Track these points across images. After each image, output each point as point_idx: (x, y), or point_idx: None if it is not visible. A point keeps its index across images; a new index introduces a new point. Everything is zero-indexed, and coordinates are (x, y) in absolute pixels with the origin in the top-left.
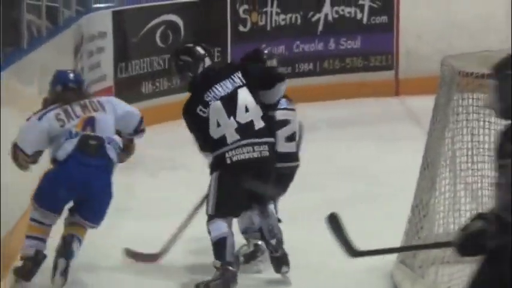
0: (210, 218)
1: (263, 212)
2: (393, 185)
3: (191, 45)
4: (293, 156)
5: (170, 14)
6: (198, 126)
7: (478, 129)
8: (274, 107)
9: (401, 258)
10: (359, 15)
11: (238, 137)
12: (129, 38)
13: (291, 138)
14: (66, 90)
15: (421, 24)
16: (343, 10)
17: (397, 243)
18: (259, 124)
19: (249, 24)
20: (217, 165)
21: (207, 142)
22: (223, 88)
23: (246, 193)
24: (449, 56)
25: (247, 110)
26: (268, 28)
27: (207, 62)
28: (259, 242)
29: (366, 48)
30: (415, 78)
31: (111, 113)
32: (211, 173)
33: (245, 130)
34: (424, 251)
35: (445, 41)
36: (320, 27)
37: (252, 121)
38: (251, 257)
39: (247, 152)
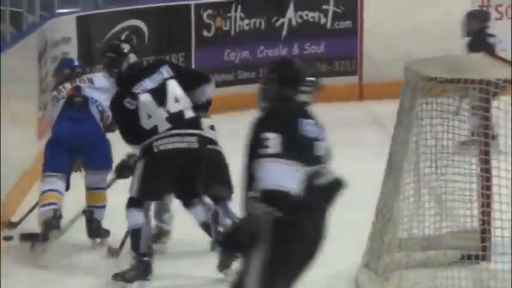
0: (128, 205)
1: (204, 206)
2: (356, 190)
3: (117, 42)
4: (217, 142)
5: (134, 19)
6: (126, 119)
7: (441, 134)
8: (202, 108)
9: (366, 263)
10: (323, 20)
11: (169, 125)
12: (94, 43)
13: (213, 127)
14: (73, 72)
15: (385, 29)
16: (306, 15)
17: (361, 247)
18: (190, 114)
19: (213, 29)
20: (144, 154)
21: (134, 134)
22: (151, 81)
23: (170, 181)
24: (413, 61)
25: (176, 100)
26: (232, 33)
27: (132, 58)
28: (163, 224)
29: (329, 53)
30: (379, 83)
31: (105, 88)
32: (138, 160)
33: (176, 119)
34: (388, 254)
35: (409, 45)
36: (284, 32)
37: (182, 111)
38: (156, 238)
39: (175, 142)
